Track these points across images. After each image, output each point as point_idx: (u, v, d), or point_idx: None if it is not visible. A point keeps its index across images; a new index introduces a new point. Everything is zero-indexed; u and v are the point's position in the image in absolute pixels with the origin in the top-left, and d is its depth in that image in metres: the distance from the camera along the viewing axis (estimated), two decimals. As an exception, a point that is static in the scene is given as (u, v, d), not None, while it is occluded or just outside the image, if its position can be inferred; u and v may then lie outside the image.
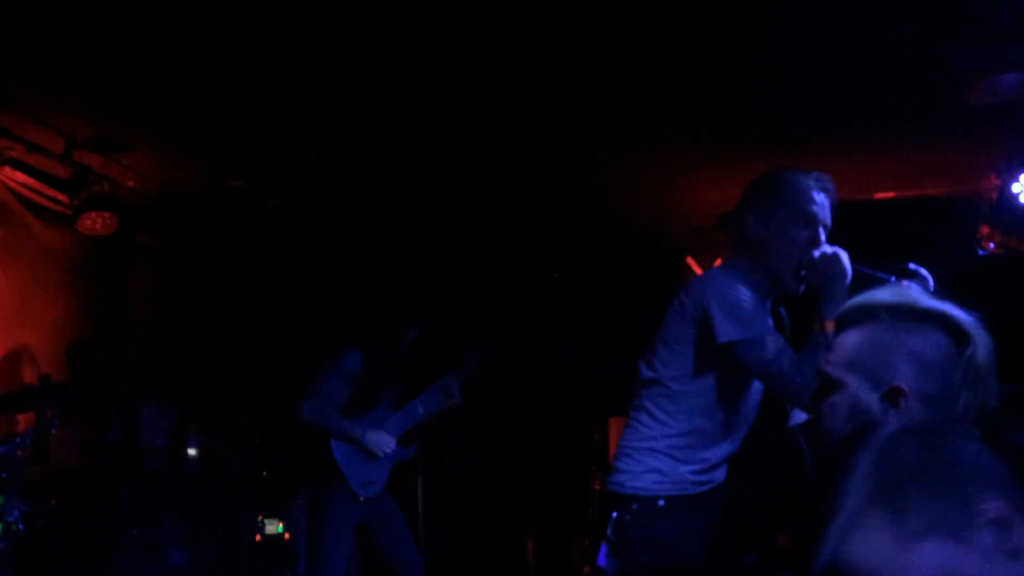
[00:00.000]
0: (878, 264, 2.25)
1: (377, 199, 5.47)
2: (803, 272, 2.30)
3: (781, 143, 4.43)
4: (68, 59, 3.98)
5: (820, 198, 2.34)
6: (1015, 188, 3.88)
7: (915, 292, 1.41)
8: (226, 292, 6.32)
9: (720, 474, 2.38)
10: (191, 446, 4.92)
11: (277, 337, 6.24)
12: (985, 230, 3.99)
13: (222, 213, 5.75)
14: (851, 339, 1.40)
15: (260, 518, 4.98)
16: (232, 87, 4.15)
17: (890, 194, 4.94)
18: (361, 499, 4.00)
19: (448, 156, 4.79)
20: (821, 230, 2.32)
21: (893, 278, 2.21)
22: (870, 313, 1.39)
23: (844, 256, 2.25)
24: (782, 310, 2.48)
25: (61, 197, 5.12)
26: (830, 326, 2.17)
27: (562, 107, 4.21)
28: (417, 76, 3.90)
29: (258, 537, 4.98)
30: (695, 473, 2.32)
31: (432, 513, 5.81)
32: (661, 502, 2.27)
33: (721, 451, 2.36)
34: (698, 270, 5.27)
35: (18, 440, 3.55)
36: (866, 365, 1.36)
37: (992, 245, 4.00)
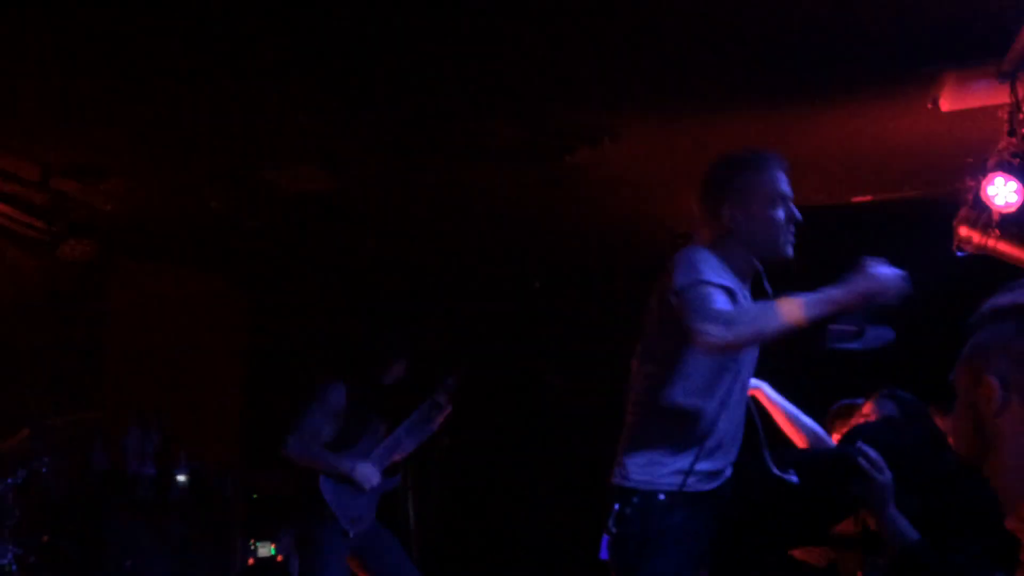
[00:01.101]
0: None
1: (353, 218, 5.47)
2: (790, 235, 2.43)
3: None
4: (42, 87, 3.95)
5: (782, 175, 2.48)
6: (990, 191, 3.93)
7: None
8: (207, 311, 6.29)
9: (722, 477, 2.39)
10: (180, 472, 4.89)
11: (262, 357, 6.21)
12: (963, 232, 4.04)
13: (201, 235, 5.73)
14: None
15: (252, 541, 4.96)
16: (204, 109, 4.14)
17: (867, 197, 5.00)
18: (351, 535, 3.92)
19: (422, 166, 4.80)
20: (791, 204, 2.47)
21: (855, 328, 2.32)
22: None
23: None
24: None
25: (39, 224, 5.08)
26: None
27: (538, 119, 4.24)
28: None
29: (251, 561, 4.96)
30: (697, 470, 2.33)
31: (423, 528, 5.81)
32: (661, 496, 2.30)
33: (720, 444, 2.37)
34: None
35: (9, 481, 3.52)
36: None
37: (970, 247, 4.05)
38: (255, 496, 5.18)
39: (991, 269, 4.02)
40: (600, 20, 3.35)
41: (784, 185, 2.46)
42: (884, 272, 2.24)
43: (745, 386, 2.48)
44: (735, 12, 3.29)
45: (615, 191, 5.12)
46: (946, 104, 3.83)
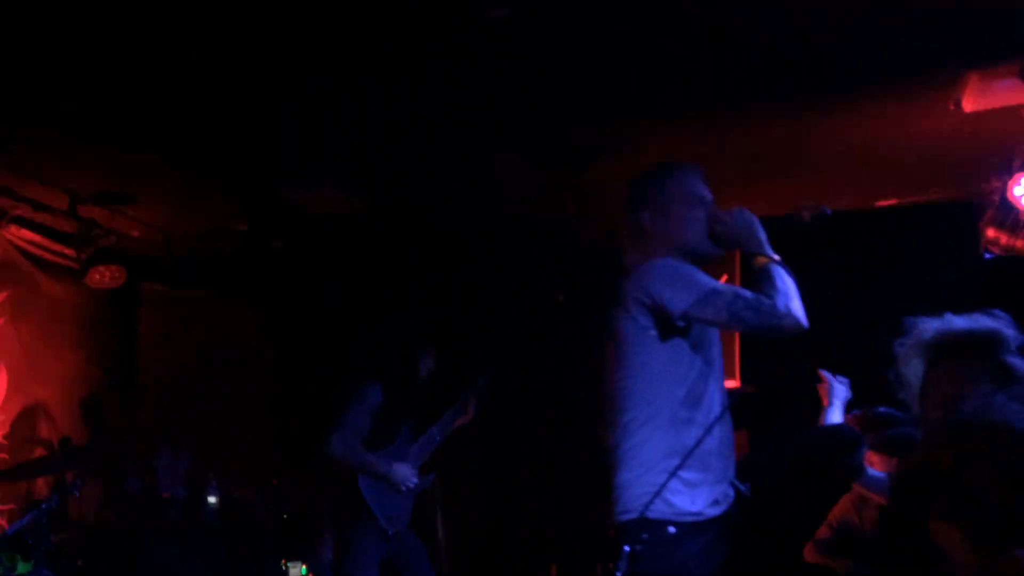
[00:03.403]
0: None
1: (380, 236, 5.50)
2: (717, 228, 2.46)
3: (780, 158, 4.45)
4: (68, 117, 4.02)
5: (698, 180, 2.52)
6: (1016, 191, 3.90)
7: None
8: (235, 333, 6.33)
9: (728, 499, 2.31)
10: (211, 494, 4.92)
11: (292, 377, 6.25)
12: (990, 233, 4.00)
13: (229, 256, 5.78)
14: None
15: (284, 562, 4.97)
16: (228, 132, 4.20)
17: (892, 201, 4.95)
18: (390, 533, 4.00)
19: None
20: (710, 207, 2.51)
21: (792, 213, 2.43)
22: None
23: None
24: None
25: (68, 252, 5.15)
26: (761, 260, 2.36)
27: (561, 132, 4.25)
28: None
29: (282, 581, 4.96)
30: (705, 492, 2.26)
31: (453, 543, 5.80)
32: (672, 529, 2.20)
33: (718, 458, 2.31)
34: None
35: (43, 507, 3.57)
36: None
37: (997, 248, 4.00)
38: (285, 516, 5.20)
39: (1018, 270, 3.98)
40: (617, 27, 3.36)
41: (700, 188, 2.50)
42: None
43: (724, 392, 2.42)
44: (754, 15, 3.28)
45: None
46: (969, 105, 3.80)
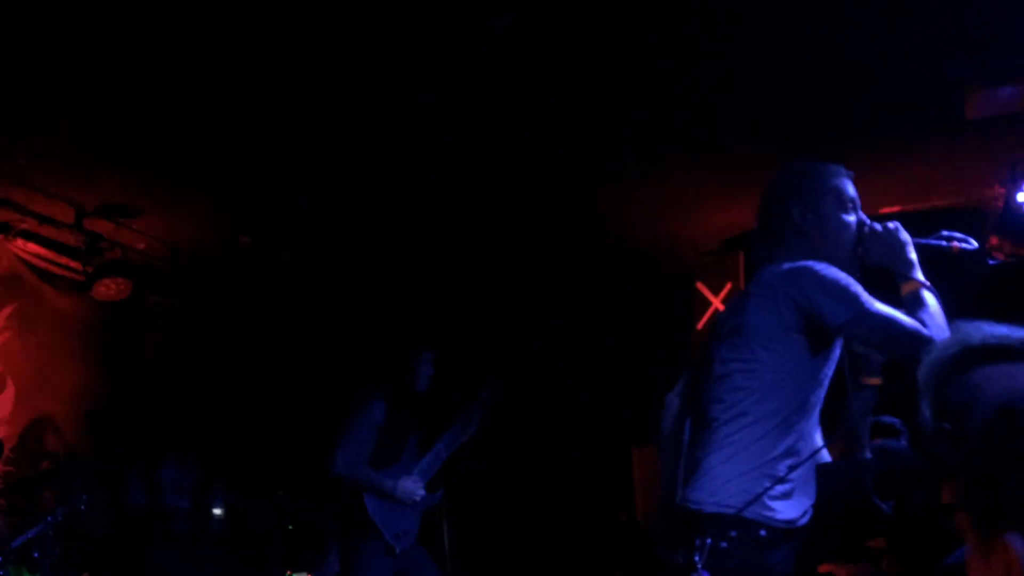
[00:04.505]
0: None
1: (379, 242, 5.51)
2: (867, 240, 2.32)
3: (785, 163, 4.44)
4: (75, 131, 4.05)
5: (849, 182, 2.39)
6: (1020, 197, 3.90)
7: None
8: (242, 346, 6.34)
9: (810, 509, 2.24)
10: (217, 505, 4.93)
11: (297, 387, 6.25)
12: (994, 240, 3.99)
13: (235, 269, 5.79)
14: None
15: (289, 573, 4.98)
16: (231, 142, 4.21)
17: (896, 208, 4.95)
18: (397, 551, 3.98)
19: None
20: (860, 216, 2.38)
21: (944, 243, 2.30)
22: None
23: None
24: None
25: (75, 265, 5.18)
26: (913, 285, 2.23)
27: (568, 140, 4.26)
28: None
29: (288, 592, 4.97)
30: (797, 502, 2.19)
31: (459, 553, 5.79)
32: (763, 532, 2.13)
33: (810, 472, 2.24)
34: (710, 296, 5.28)
35: (49, 519, 3.58)
36: None
37: (1002, 255, 4.00)
38: (290, 527, 5.20)
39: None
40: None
41: (853, 192, 2.37)
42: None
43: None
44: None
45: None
46: (972, 112, 3.80)
